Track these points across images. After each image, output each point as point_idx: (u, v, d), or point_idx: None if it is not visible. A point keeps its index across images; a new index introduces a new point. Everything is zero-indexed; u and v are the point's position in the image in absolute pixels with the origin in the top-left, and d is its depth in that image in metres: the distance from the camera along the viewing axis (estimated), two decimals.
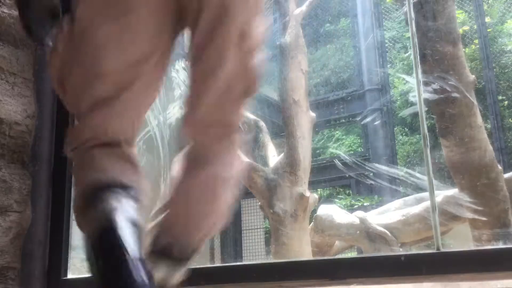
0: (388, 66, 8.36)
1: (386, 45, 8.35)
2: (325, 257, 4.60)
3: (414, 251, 4.38)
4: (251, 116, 5.58)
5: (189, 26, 1.01)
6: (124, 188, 0.99)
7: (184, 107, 1.05)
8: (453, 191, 3.75)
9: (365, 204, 7.15)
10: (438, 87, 3.24)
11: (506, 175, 3.77)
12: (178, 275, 1.13)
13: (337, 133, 9.42)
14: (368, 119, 8.05)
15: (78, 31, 0.96)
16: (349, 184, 8.31)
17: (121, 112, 1.01)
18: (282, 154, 4.81)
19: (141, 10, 0.94)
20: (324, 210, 4.99)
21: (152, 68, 1.01)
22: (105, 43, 0.94)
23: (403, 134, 8.46)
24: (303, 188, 4.63)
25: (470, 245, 3.32)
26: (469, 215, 3.41)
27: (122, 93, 0.97)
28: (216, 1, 0.94)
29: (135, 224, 0.92)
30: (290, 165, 4.65)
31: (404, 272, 2.15)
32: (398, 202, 5.12)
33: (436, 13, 3.34)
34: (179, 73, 4.59)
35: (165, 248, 1.03)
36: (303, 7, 5.17)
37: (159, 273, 1.04)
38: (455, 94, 3.24)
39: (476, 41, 7.06)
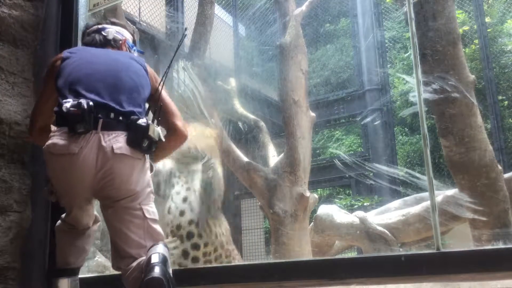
0: (388, 66, 8.36)
1: (386, 45, 8.35)
2: (325, 257, 4.61)
3: (414, 251, 4.38)
4: (251, 116, 5.58)
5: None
6: (73, 270, 2.21)
7: None
8: (453, 191, 3.75)
9: (365, 204, 7.15)
10: (438, 87, 3.24)
11: (506, 175, 3.78)
12: None
13: (337, 133, 9.42)
14: (368, 119, 8.05)
15: (58, 192, 2.16)
16: (349, 184, 8.31)
17: (77, 216, 2.18)
18: (282, 154, 4.81)
19: (77, 196, 2.13)
20: (324, 210, 4.99)
21: (87, 203, 2.20)
22: (65, 200, 2.16)
23: (403, 134, 8.46)
24: (303, 188, 4.63)
25: (470, 245, 3.31)
26: (469, 215, 3.41)
27: (73, 210, 2.17)
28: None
29: None
30: (290, 165, 4.65)
31: (404, 272, 2.15)
32: (398, 202, 5.13)
33: (436, 13, 3.34)
34: (179, 73, 4.59)
35: None
36: (303, 7, 5.18)
37: None
38: (455, 94, 3.23)
39: (476, 41, 7.06)
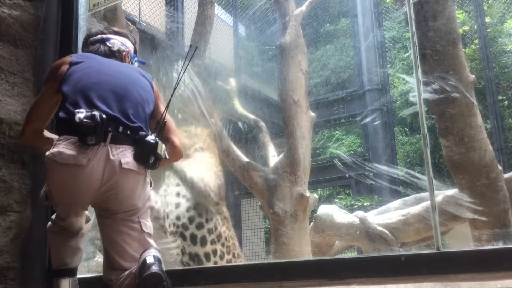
0: (388, 66, 8.36)
1: (386, 45, 8.35)
2: (325, 257, 4.60)
3: (414, 251, 4.38)
4: (251, 116, 5.58)
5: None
6: (71, 270, 2.18)
7: None
8: (453, 191, 3.75)
9: (365, 204, 7.15)
10: (438, 87, 3.24)
11: (506, 175, 3.77)
12: None
13: (337, 133, 9.42)
14: (368, 119, 8.05)
15: (54, 195, 2.08)
16: (349, 184, 8.31)
17: (71, 222, 2.16)
18: (282, 154, 4.81)
19: (77, 206, 2.12)
20: (324, 210, 4.99)
21: (84, 210, 2.21)
22: (62, 207, 2.13)
23: (403, 134, 8.46)
24: (303, 188, 4.63)
25: (470, 245, 3.31)
26: (469, 215, 3.40)
27: (69, 217, 2.15)
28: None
29: None
30: (290, 165, 4.64)
31: (404, 272, 2.15)
32: (398, 202, 5.12)
33: (436, 13, 3.34)
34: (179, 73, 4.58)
35: None
36: (303, 7, 5.17)
37: None
38: (455, 94, 3.23)
39: (476, 41, 7.06)
